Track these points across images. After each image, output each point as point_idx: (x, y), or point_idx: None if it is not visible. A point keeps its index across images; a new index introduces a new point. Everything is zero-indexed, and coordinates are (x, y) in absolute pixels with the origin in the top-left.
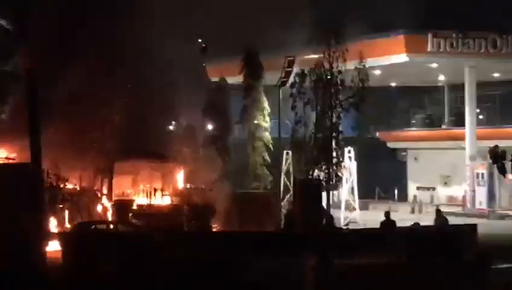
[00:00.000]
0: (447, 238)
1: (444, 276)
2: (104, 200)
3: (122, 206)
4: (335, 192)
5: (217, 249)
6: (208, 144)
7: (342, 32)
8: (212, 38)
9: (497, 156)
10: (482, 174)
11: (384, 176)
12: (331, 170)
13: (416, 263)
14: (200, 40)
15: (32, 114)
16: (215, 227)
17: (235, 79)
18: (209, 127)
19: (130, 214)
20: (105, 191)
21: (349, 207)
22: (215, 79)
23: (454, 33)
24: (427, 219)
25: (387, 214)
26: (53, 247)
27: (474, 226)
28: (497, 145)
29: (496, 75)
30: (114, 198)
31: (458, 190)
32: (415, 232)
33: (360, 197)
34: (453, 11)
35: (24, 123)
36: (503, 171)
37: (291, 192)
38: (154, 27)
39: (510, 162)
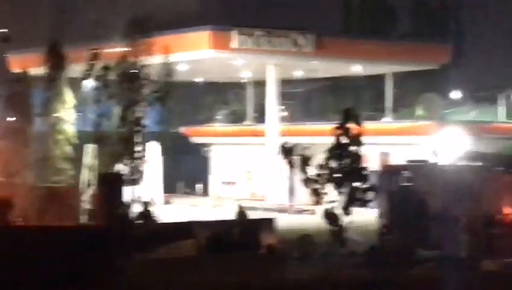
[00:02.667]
0: (246, 232)
1: (237, 268)
2: None
3: None
4: (138, 187)
5: (15, 243)
6: (8, 136)
7: (148, 26)
8: (16, 28)
9: (287, 152)
10: (283, 169)
11: (188, 171)
12: (134, 165)
13: (212, 256)
14: (2, 30)
15: None
16: (19, 221)
17: (38, 70)
18: (10, 119)
19: None
20: None
21: (152, 202)
22: (17, 70)
23: (258, 31)
24: (229, 214)
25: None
26: None
27: (273, 220)
28: (287, 141)
29: (298, 73)
30: None
31: (260, 185)
32: (214, 226)
33: (164, 192)
34: (258, 10)
35: None
36: (291, 166)
37: (94, 186)
38: None
39: (299, 157)
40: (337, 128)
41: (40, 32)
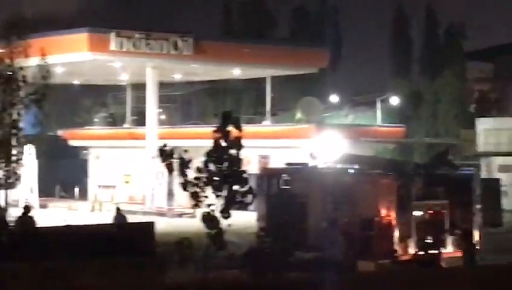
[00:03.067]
0: (125, 236)
1: (114, 273)
2: None
3: None
4: (13, 190)
5: None
6: None
7: (24, 27)
8: None
9: (165, 155)
10: (162, 173)
11: (65, 175)
12: (10, 168)
13: (90, 261)
14: None
15: None
16: None
17: None
18: None
19: None
20: None
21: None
22: None
23: (137, 33)
24: (107, 217)
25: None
26: None
27: (152, 223)
28: (166, 144)
29: (177, 76)
30: None
31: (139, 189)
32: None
33: (40, 196)
34: (138, 12)
35: None
36: (170, 170)
37: None
38: None
39: (178, 161)
40: (216, 131)
41: None
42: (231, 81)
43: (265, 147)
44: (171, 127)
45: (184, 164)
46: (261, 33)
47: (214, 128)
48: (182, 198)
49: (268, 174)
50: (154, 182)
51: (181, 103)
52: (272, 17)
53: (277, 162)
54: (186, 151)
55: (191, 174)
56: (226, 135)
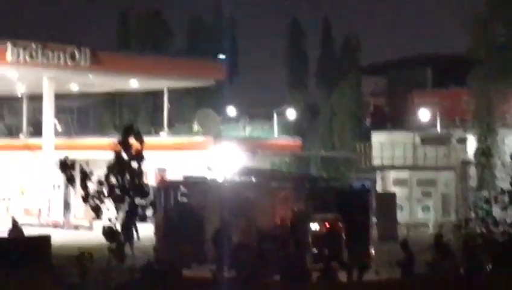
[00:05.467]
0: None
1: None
2: None
3: None
4: None
5: None
6: None
7: None
8: None
9: (66, 167)
10: (59, 185)
11: None
12: None
13: None
14: None
15: None
16: None
17: None
18: None
19: None
20: None
21: None
22: None
23: (34, 43)
24: (2, 230)
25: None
26: None
27: (48, 237)
28: (67, 156)
29: (74, 87)
30: None
31: (35, 201)
32: None
33: None
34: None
35: None
36: (71, 181)
37: None
38: None
39: (80, 173)
40: (118, 143)
41: None
42: (129, 92)
43: (162, 159)
44: (67, 138)
45: (85, 177)
46: (158, 45)
47: (116, 141)
48: (78, 210)
49: (166, 187)
50: (49, 194)
51: (78, 114)
52: (169, 29)
53: (174, 174)
54: (87, 163)
55: (92, 186)
56: (127, 147)
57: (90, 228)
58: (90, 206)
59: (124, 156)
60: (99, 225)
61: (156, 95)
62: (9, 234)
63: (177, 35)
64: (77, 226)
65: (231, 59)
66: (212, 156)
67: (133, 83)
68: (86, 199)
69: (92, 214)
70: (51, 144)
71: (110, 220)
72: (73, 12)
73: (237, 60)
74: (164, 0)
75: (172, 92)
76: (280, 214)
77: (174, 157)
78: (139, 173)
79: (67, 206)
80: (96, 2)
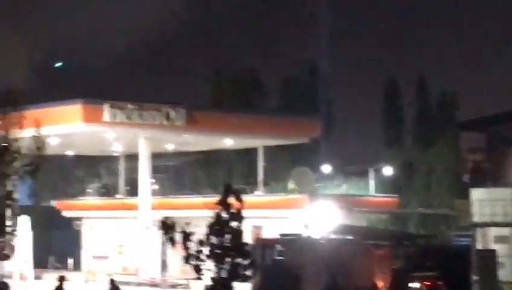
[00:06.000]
0: None
1: None
2: None
3: None
4: (8, 262)
5: None
6: None
7: (18, 99)
8: None
9: (167, 227)
10: (156, 243)
11: (59, 245)
12: (4, 239)
13: None
14: None
15: None
16: None
17: None
18: None
19: None
20: None
21: (22, 277)
22: None
23: (130, 104)
24: (101, 288)
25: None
26: None
27: None
28: (167, 217)
29: (170, 146)
30: None
31: (132, 259)
32: None
33: (34, 267)
34: (130, 84)
35: None
36: (172, 242)
37: None
38: None
39: (181, 233)
40: (218, 203)
41: None
42: (223, 151)
43: (257, 217)
44: (163, 197)
45: (186, 237)
46: (252, 103)
47: (215, 200)
48: (175, 269)
49: (262, 245)
50: (147, 252)
51: (173, 173)
52: (263, 87)
53: (270, 232)
54: (187, 223)
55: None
56: (227, 206)
57: (187, 287)
58: (192, 265)
59: (224, 215)
60: (196, 284)
61: (251, 152)
62: None
63: (271, 94)
64: (174, 285)
65: (326, 116)
66: (308, 214)
67: (228, 142)
68: (187, 258)
69: (189, 272)
70: (147, 203)
71: (212, 279)
72: (167, 72)
73: (332, 117)
74: (258, 59)
75: (266, 149)
76: (378, 273)
77: (269, 216)
78: (239, 233)
79: (164, 264)
80: (190, 61)
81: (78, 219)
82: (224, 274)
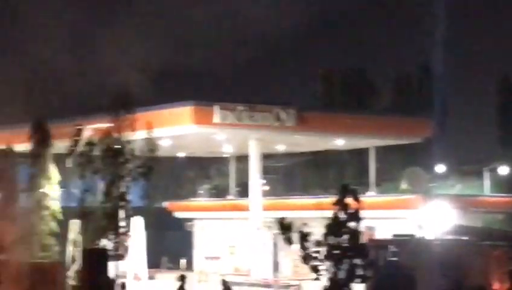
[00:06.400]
0: None
1: None
2: None
3: None
4: (122, 262)
5: None
6: None
7: (131, 102)
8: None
9: (284, 227)
10: (267, 244)
11: (171, 246)
12: (119, 240)
13: None
14: None
15: None
16: None
17: (23, 147)
18: None
19: None
20: None
21: (136, 277)
22: (1, 146)
23: (240, 106)
24: (213, 289)
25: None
26: None
27: None
28: (284, 217)
29: (280, 147)
30: None
31: (244, 260)
32: None
33: (147, 267)
34: (239, 84)
35: None
36: (289, 242)
37: (79, 262)
38: None
39: (297, 233)
40: (335, 203)
41: (24, 107)
42: (334, 151)
43: (370, 218)
44: (274, 198)
45: (304, 237)
46: (363, 103)
47: (332, 201)
48: (287, 269)
49: (375, 246)
50: (258, 253)
51: (284, 174)
52: (374, 87)
53: (382, 233)
54: (305, 224)
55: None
56: (344, 207)
57: (300, 288)
58: (310, 266)
59: (341, 215)
60: (308, 285)
61: (362, 153)
62: None
63: (382, 93)
64: (287, 286)
65: (439, 115)
66: (422, 214)
67: (339, 142)
68: (305, 259)
69: (301, 273)
70: (258, 204)
71: (330, 280)
72: (276, 73)
73: (445, 116)
74: (368, 58)
75: (378, 149)
76: (495, 274)
77: (382, 216)
78: (357, 233)
79: (276, 265)
80: (298, 61)
81: (190, 220)
82: (341, 275)
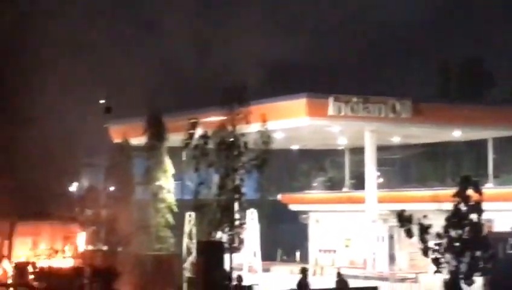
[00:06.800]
0: None
1: None
2: (5, 262)
3: (23, 268)
4: (237, 254)
5: None
6: (110, 206)
7: (245, 95)
8: (115, 99)
9: (404, 220)
10: (383, 237)
11: (286, 239)
12: (233, 232)
13: None
14: (103, 101)
15: None
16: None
17: (138, 140)
18: (112, 188)
19: (31, 277)
20: (5, 253)
21: (251, 270)
22: (118, 140)
23: (355, 97)
24: (328, 281)
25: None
26: None
27: (375, 288)
28: (404, 209)
29: (396, 139)
30: (14, 260)
31: (359, 253)
32: None
33: (262, 260)
34: (355, 76)
35: None
36: (410, 235)
37: (194, 254)
38: (55, 86)
39: (417, 226)
40: (455, 195)
41: (139, 101)
42: (451, 143)
43: (488, 210)
44: (390, 191)
45: (424, 230)
46: (479, 93)
47: (453, 192)
48: (402, 262)
49: (494, 238)
50: (374, 246)
51: (399, 166)
52: (491, 77)
53: (501, 225)
54: (425, 216)
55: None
56: (465, 199)
57: (416, 281)
58: (431, 259)
59: (462, 207)
60: (425, 278)
61: (479, 144)
62: (336, 285)
63: (499, 83)
64: (403, 279)
65: None
66: None
67: (456, 134)
68: (425, 252)
69: (417, 266)
70: (374, 197)
71: (451, 272)
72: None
73: None
74: (486, 47)
75: (496, 140)
76: None
77: (501, 209)
78: (478, 225)
79: (392, 258)
80: (414, 52)
81: (305, 212)
82: (463, 268)
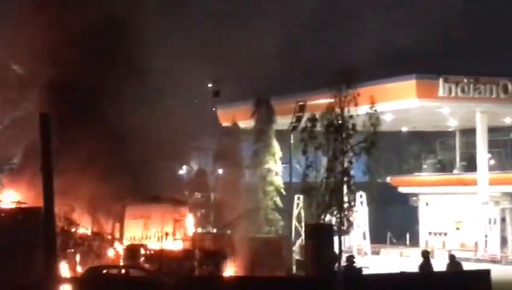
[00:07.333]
0: (460, 283)
1: None
2: (116, 244)
3: (134, 250)
4: (346, 237)
5: None
6: (219, 189)
7: (353, 77)
8: (223, 83)
9: None
10: (495, 219)
11: (395, 221)
12: (342, 215)
13: None
14: (211, 85)
15: (45, 158)
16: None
17: (246, 123)
18: (220, 171)
19: (142, 259)
20: (117, 235)
21: (360, 252)
22: (226, 123)
23: (465, 78)
24: (440, 265)
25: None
26: None
27: (488, 271)
28: None
29: (508, 120)
30: (126, 242)
31: (470, 235)
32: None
33: (371, 242)
34: (465, 56)
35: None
36: None
37: (303, 237)
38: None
39: None
40: None
41: (247, 85)
42: None
43: None
44: (501, 172)
45: None
46: None
47: None
48: None
49: None
50: (486, 228)
51: (511, 148)
52: None
53: None
54: None
55: None
56: None
57: None
58: None
59: None
60: None
61: None
62: (447, 268)
63: None
64: None
65: None
66: None
67: None
68: None
69: None
70: (485, 179)
71: None
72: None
73: None
74: None
75: None
76: None
77: None
78: None
79: (504, 241)
80: None
81: (414, 195)
82: None
